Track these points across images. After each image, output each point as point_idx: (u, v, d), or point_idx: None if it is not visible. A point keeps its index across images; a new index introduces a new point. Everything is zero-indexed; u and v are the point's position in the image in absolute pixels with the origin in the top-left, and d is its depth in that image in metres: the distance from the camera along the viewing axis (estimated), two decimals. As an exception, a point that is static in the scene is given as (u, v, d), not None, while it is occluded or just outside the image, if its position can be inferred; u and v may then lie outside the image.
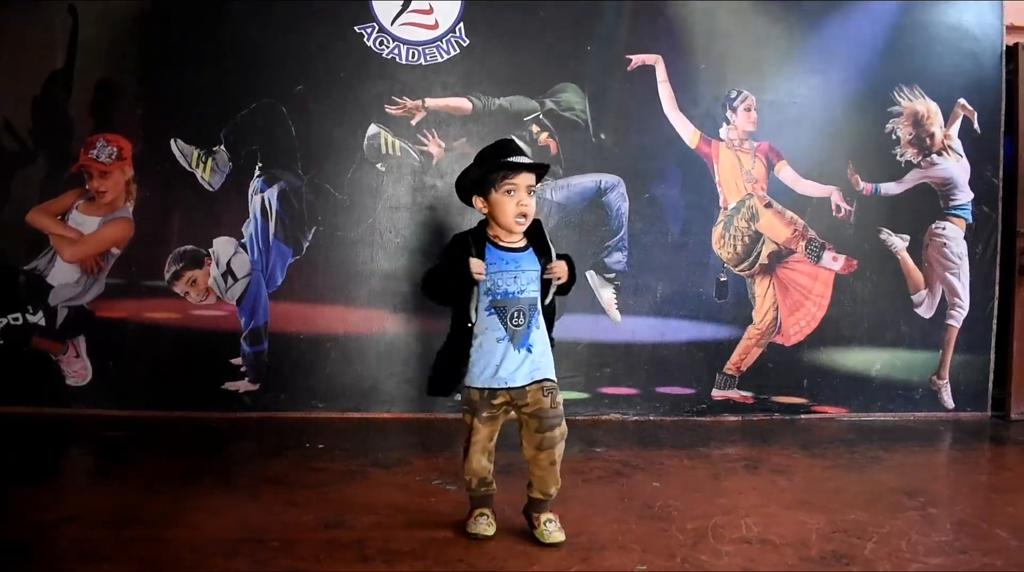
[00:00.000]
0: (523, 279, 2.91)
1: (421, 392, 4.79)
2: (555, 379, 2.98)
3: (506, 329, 2.90)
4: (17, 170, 4.63)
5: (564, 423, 2.99)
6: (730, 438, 4.67)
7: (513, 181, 2.84)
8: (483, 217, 2.97)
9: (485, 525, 2.95)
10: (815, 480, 3.87)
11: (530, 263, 2.93)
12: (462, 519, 3.10)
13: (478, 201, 2.91)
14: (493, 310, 2.89)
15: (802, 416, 5.17)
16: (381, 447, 4.19)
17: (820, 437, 4.75)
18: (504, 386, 2.90)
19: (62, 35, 4.62)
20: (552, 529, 2.93)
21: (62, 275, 4.62)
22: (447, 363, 2.98)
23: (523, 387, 2.90)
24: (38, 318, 4.61)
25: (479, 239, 2.93)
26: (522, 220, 2.88)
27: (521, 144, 2.92)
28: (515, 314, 2.89)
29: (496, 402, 2.93)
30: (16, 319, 4.60)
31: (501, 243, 2.93)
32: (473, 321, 2.89)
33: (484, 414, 2.95)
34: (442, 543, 2.92)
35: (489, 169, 2.87)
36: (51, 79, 4.63)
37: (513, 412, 2.98)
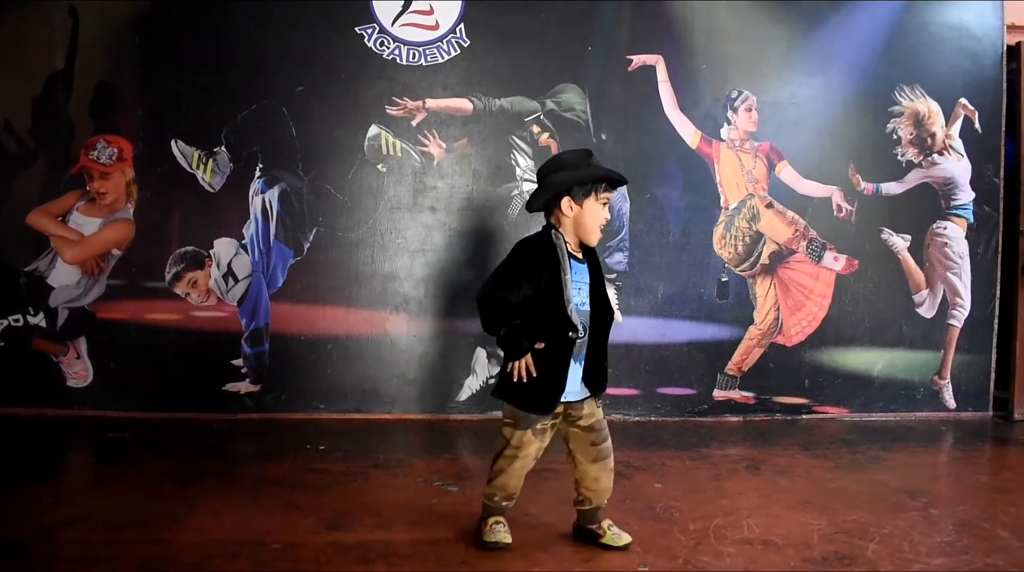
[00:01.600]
0: (585, 291, 2.88)
1: (422, 393, 4.81)
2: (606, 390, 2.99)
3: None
4: (17, 171, 4.63)
5: None
6: (731, 439, 4.67)
7: (610, 195, 2.87)
8: (547, 223, 2.89)
9: (503, 533, 2.89)
10: (817, 481, 3.87)
11: (588, 276, 2.90)
12: (464, 521, 3.10)
13: (567, 202, 2.83)
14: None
15: (804, 416, 5.17)
16: (382, 448, 4.19)
17: (822, 437, 4.75)
18: (564, 399, 2.85)
19: (63, 36, 4.62)
20: (618, 531, 2.95)
21: (63, 276, 4.62)
22: (546, 375, 2.81)
23: (581, 400, 2.89)
24: (39, 319, 4.61)
25: (560, 245, 2.84)
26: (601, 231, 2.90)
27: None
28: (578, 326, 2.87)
29: (553, 414, 2.89)
30: (17, 321, 4.60)
31: (570, 250, 2.87)
32: (580, 333, 2.80)
33: (538, 427, 2.87)
34: (444, 545, 2.92)
35: (595, 178, 2.82)
36: (52, 80, 4.63)
37: (560, 426, 2.94)
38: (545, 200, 2.86)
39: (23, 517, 3.04)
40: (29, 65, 4.62)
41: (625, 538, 2.92)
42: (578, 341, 2.82)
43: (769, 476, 3.92)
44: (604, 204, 2.86)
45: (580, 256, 2.91)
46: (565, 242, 2.85)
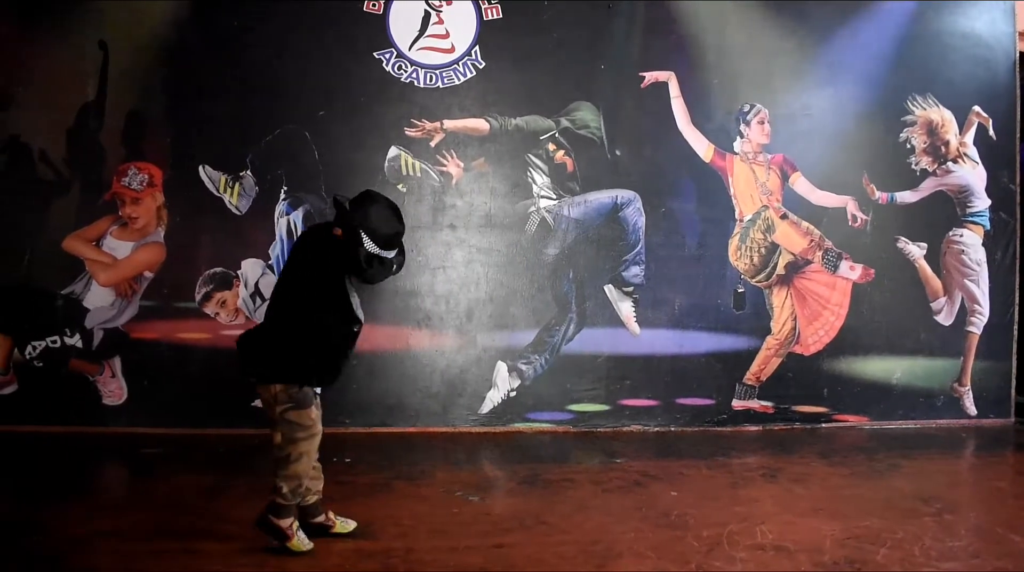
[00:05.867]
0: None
1: (445, 406, 4.91)
2: None
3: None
4: (53, 198, 4.81)
5: None
6: (750, 448, 4.72)
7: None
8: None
9: (305, 539, 3.01)
10: (832, 488, 3.92)
11: None
12: (485, 529, 3.21)
13: (340, 234, 3.01)
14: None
15: (823, 425, 5.20)
16: (406, 460, 4.29)
17: (840, 446, 4.79)
18: None
19: (94, 68, 4.80)
20: (343, 518, 3.17)
21: (98, 298, 4.78)
22: (335, 356, 3.04)
23: None
24: (75, 340, 4.77)
25: None
26: None
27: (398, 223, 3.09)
28: None
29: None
30: (55, 342, 4.76)
31: None
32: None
33: (317, 401, 3.08)
34: (463, 552, 3.02)
35: (368, 241, 2.96)
36: (84, 110, 4.82)
37: None
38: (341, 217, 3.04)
39: (61, 530, 3.18)
40: (63, 97, 4.81)
41: (351, 523, 3.16)
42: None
43: (785, 484, 3.97)
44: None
45: None
46: None
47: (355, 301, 3.05)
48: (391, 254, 3.05)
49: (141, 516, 3.35)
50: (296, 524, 3.01)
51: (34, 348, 4.76)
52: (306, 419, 2.99)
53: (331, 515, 3.15)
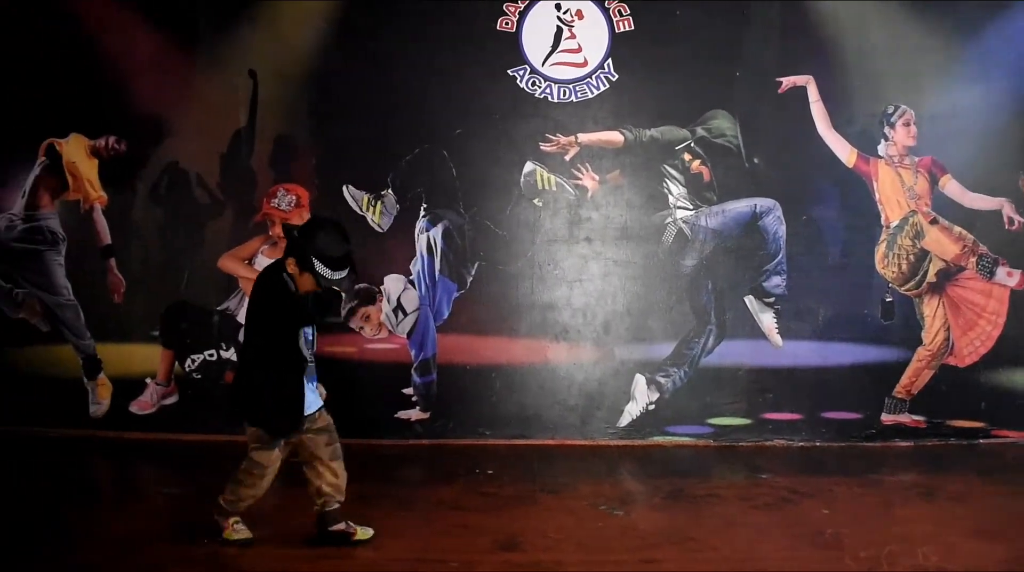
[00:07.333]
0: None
1: (583, 419, 4.92)
2: None
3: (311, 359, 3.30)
4: (209, 220, 5.11)
5: None
6: (902, 464, 4.54)
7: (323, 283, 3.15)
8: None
9: (245, 530, 3.25)
10: (995, 508, 3.72)
11: None
12: (631, 543, 3.19)
13: (293, 262, 3.12)
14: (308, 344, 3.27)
15: (980, 441, 4.93)
16: (547, 473, 4.33)
17: (1001, 463, 4.54)
18: (314, 411, 3.26)
19: (244, 96, 5.05)
20: (361, 526, 3.28)
21: (250, 315, 5.02)
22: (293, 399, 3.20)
23: (315, 411, 3.26)
24: (231, 354, 5.03)
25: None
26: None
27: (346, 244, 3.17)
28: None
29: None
30: (211, 355, 5.04)
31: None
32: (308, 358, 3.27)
33: (285, 441, 3.22)
34: (612, 566, 3.02)
35: (319, 264, 3.07)
36: (236, 136, 5.09)
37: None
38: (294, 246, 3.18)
39: (217, 534, 3.31)
40: (216, 125, 5.10)
41: (369, 530, 3.26)
42: (311, 365, 3.28)
43: (943, 503, 3.80)
44: (319, 282, 3.12)
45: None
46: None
47: (305, 335, 3.25)
48: (343, 274, 3.13)
49: (294, 524, 3.45)
50: (233, 520, 3.25)
51: (192, 361, 5.04)
52: (265, 459, 3.21)
53: (350, 524, 3.29)
